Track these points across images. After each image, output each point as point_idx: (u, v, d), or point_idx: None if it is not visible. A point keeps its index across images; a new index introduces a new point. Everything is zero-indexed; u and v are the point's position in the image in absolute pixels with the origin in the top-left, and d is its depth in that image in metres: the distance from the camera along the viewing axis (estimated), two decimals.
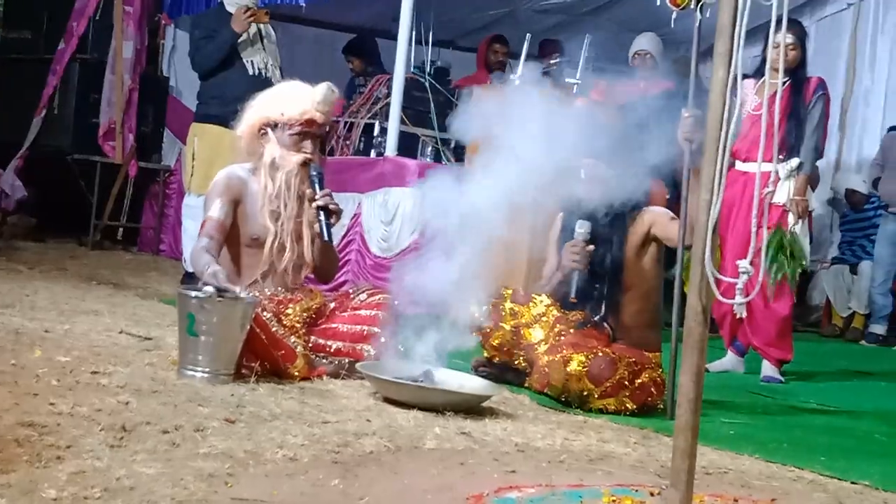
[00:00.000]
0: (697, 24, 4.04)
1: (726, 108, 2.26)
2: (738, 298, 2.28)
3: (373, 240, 6.92)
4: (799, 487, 3.04)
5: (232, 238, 4.13)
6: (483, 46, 8.68)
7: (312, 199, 4.08)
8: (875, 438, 4.09)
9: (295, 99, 4.13)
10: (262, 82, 6.16)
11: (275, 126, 4.11)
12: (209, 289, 3.61)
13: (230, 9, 6.62)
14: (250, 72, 6.56)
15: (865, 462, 3.50)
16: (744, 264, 2.26)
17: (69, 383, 3.24)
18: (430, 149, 7.37)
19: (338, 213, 4.18)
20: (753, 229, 2.27)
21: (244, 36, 6.56)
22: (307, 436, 2.94)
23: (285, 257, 4.11)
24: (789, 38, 5.49)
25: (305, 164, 4.12)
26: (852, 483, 3.13)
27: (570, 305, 4.32)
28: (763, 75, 5.37)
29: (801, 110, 5.58)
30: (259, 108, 4.17)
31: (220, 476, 2.45)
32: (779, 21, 2.27)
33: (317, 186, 4.09)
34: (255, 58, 6.62)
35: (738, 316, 5.59)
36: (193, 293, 3.63)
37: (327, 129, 4.34)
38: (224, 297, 3.63)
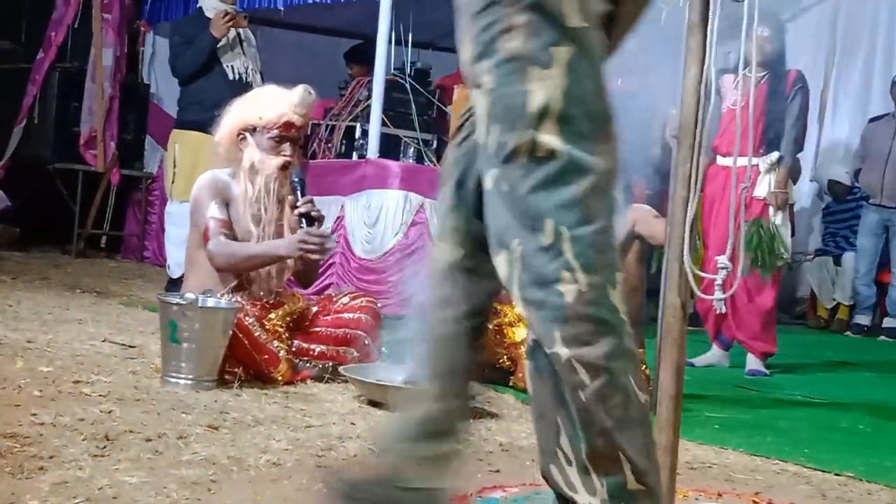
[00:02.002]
0: (687, 21, 4.04)
1: (701, 105, 2.26)
2: (718, 294, 2.28)
3: (357, 242, 6.92)
4: (783, 480, 3.05)
5: (233, 237, 4.12)
6: None
7: (294, 206, 4.08)
8: (859, 430, 4.11)
9: (272, 103, 4.13)
10: (243, 87, 6.14)
11: (253, 130, 4.11)
12: (190, 296, 3.61)
13: (209, 14, 6.61)
14: (230, 77, 6.54)
15: (849, 453, 3.51)
16: (722, 260, 2.27)
17: (51, 393, 3.24)
18: (411, 150, 7.37)
19: (320, 220, 4.18)
20: (731, 225, 2.28)
21: (223, 41, 6.55)
22: (291, 440, 2.94)
23: None
24: (766, 32, 5.51)
25: (285, 167, 4.12)
26: (836, 475, 3.14)
27: None
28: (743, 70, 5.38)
29: (781, 104, 5.60)
30: (237, 114, 4.17)
31: (203, 483, 2.45)
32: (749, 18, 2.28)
33: (298, 193, 4.09)
34: (234, 62, 6.61)
35: (718, 311, 5.61)
36: (175, 300, 3.62)
37: (307, 131, 4.34)
38: (206, 303, 3.64)
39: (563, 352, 1.67)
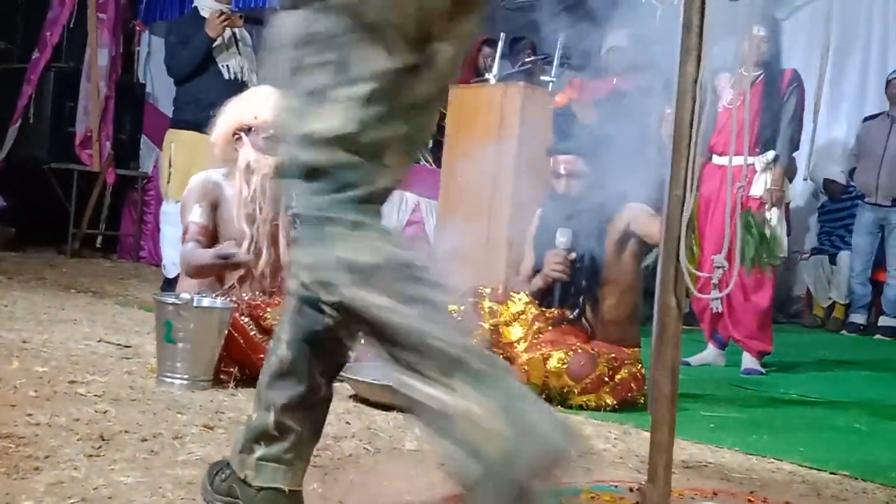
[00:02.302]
0: (682, 20, 4.04)
1: (696, 104, 2.26)
2: (714, 293, 2.28)
3: None
4: (778, 479, 3.05)
5: (212, 243, 4.13)
6: (474, 50, 8.66)
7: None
8: (855, 428, 4.11)
9: (268, 102, 4.13)
10: (238, 86, 6.14)
11: (249, 130, 4.11)
12: (185, 295, 3.61)
13: (204, 14, 6.61)
14: (226, 76, 6.55)
15: (845, 452, 3.52)
16: (718, 259, 2.27)
17: (47, 393, 3.23)
18: None
19: None
20: (727, 224, 2.28)
21: (219, 40, 6.55)
22: None
23: (262, 261, 4.11)
24: (762, 32, 5.52)
25: None
26: (831, 473, 3.14)
27: (547, 293, 4.33)
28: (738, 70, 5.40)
29: (776, 103, 5.61)
30: (232, 113, 4.17)
31: (198, 483, 2.44)
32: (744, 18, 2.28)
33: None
34: (230, 62, 6.61)
35: (714, 310, 5.62)
36: (170, 300, 3.62)
37: None
38: (201, 303, 3.63)
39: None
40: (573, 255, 4.29)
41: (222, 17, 6.52)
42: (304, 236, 2.04)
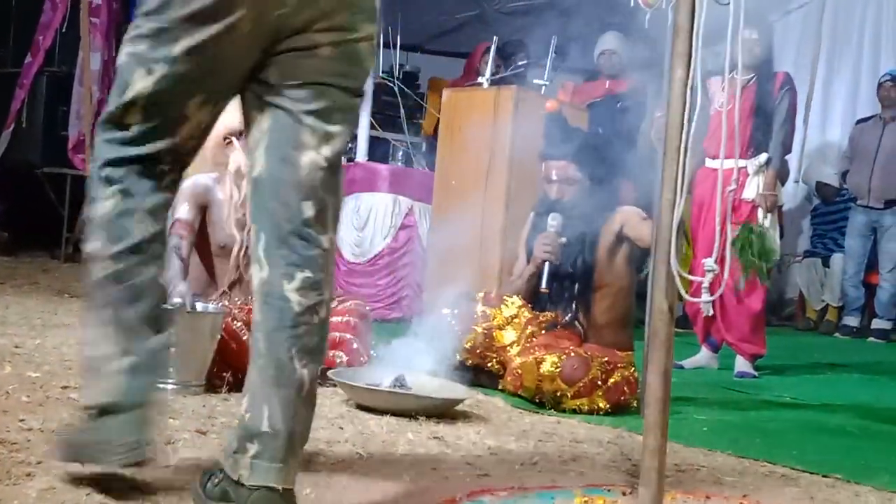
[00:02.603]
0: (670, 24, 4.05)
1: (686, 107, 2.26)
2: (705, 297, 2.28)
3: (345, 245, 6.92)
4: (771, 482, 3.05)
5: (202, 247, 4.12)
6: (476, 55, 8.65)
7: None
8: (847, 431, 4.11)
9: None
10: None
11: (239, 134, 4.10)
12: (177, 300, 3.60)
13: None
14: None
15: (837, 455, 3.52)
16: (709, 263, 2.28)
17: (39, 399, 3.22)
18: (400, 153, 7.37)
19: None
20: (718, 227, 2.28)
21: None
22: None
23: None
24: (754, 35, 5.53)
25: None
26: (824, 476, 3.15)
27: (541, 298, 4.33)
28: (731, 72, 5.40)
29: (769, 106, 5.62)
30: (223, 117, 4.15)
31: (191, 489, 2.44)
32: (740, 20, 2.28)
33: None
34: None
35: (704, 314, 5.63)
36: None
37: None
38: (193, 308, 3.63)
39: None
40: (563, 239, 4.29)
41: None
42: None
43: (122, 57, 2.27)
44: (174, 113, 2.27)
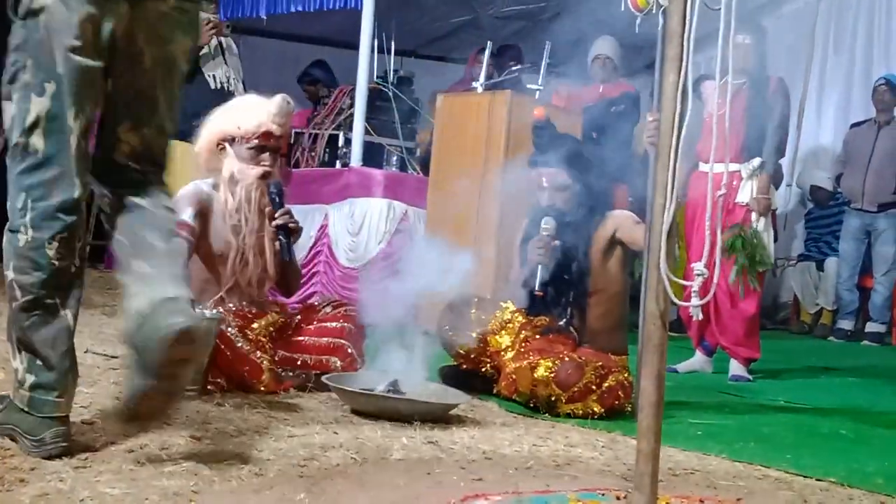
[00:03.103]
0: (661, 28, 4.06)
1: (677, 112, 2.27)
2: (694, 301, 2.29)
3: (340, 250, 6.93)
4: (765, 486, 3.06)
5: (200, 254, 4.12)
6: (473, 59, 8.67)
7: (272, 217, 4.07)
8: (841, 435, 4.12)
9: (251, 112, 4.12)
10: (225, 96, 6.14)
11: (232, 141, 4.10)
12: None
13: None
14: (212, 86, 6.54)
15: (831, 459, 3.53)
16: (699, 267, 2.28)
17: None
18: (395, 158, 7.38)
19: (298, 232, 4.18)
20: (707, 231, 2.29)
21: (205, 49, 6.55)
22: (273, 450, 2.94)
23: (248, 271, 4.09)
24: (747, 40, 5.55)
25: (265, 176, 4.11)
26: (817, 480, 3.15)
27: (535, 301, 4.33)
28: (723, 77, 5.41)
29: (762, 110, 5.63)
30: (215, 124, 4.15)
31: (184, 494, 2.44)
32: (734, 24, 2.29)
33: (276, 204, 4.08)
34: (216, 72, 6.61)
35: (694, 318, 5.62)
36: None
37: (290, 140, 4.34)
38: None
39: (10, 275, 2.68)
40: (556, 243, 4.29)
41: (210, 26, 6.52)
42: None
43: None
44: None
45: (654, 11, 4.06)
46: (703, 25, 2.31)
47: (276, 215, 4.06)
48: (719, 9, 2.30)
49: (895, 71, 8.96)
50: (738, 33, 5.53)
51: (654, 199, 2.32)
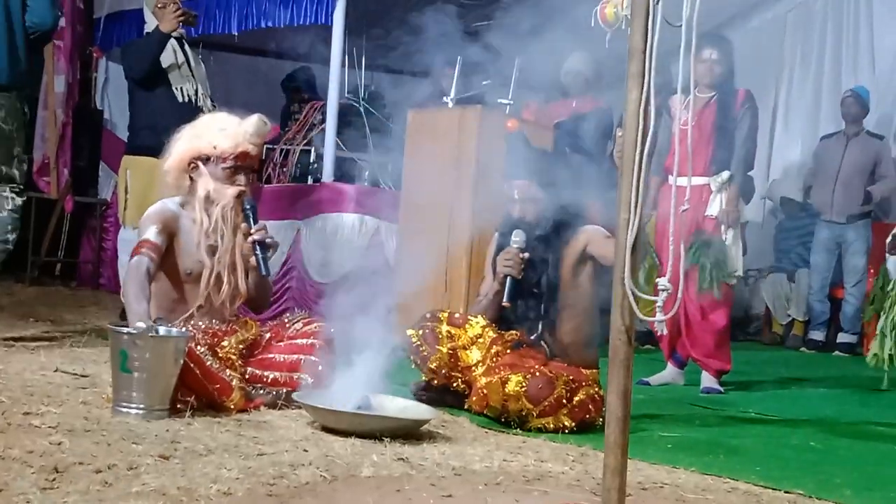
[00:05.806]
0: (629, 45, 4.07)
1: (640, 128, 2.29)
2: (659, 316, 2.30)
3: (313, 266, 6.92)
4: (733, 499, 3.07)
5: (169, 272, 4.10)
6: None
7: (248, 234, 4.07)
8: (810, 446, 4.14)
9: (227, 132, 4.10)
10: (193, 110, 6.10)
11: (206, 160, 4.09)
12: (141, 325, 3.59)
13: (155, 17, 6.52)
14: (179, 99, 6.48)
15: (799, 471, 3.55)
16: (663, 282, 2.29)
17: (0, 426, 3.20)
18: (366, 173, 7.38)
19: (274, 247, 4.18)
20: (671, 245, 2.30)
21: (171, 60, 6.46)
22: (242, 469, 2.93)
23: (223, 290, 4.08)
24: (714, 55, 5.59)
25: (240, 196, 4.11)
26: (786, 492, 3.17)
27: (505, 313, 4.34)
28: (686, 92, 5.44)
29: (730, 123, 5.67)
30: (189, 141, 4.13)
31: None
32: (696, 41, 2.30)
33: (251, 220, 4.08)
34: (184, 85, 6.55)
35: (659, 332, 5.65)
36: (125, 329, 3.60)
37: (262, 160, 4.34)
38: (156, 332, 3.62)
39: None
40: (526, 255, 4.30)
41: (178, 12, 6.42)
42: None
43: None
44: None
45: (623, 27, 4.08)
46: (673, 39, 2.32)
47: (253, 231, 4.06)
48: (681, 25, 2.31)
49: (863, 83, 9.03)
50: (704, 47, 5.61)
51: (618, 215, 2.33)
